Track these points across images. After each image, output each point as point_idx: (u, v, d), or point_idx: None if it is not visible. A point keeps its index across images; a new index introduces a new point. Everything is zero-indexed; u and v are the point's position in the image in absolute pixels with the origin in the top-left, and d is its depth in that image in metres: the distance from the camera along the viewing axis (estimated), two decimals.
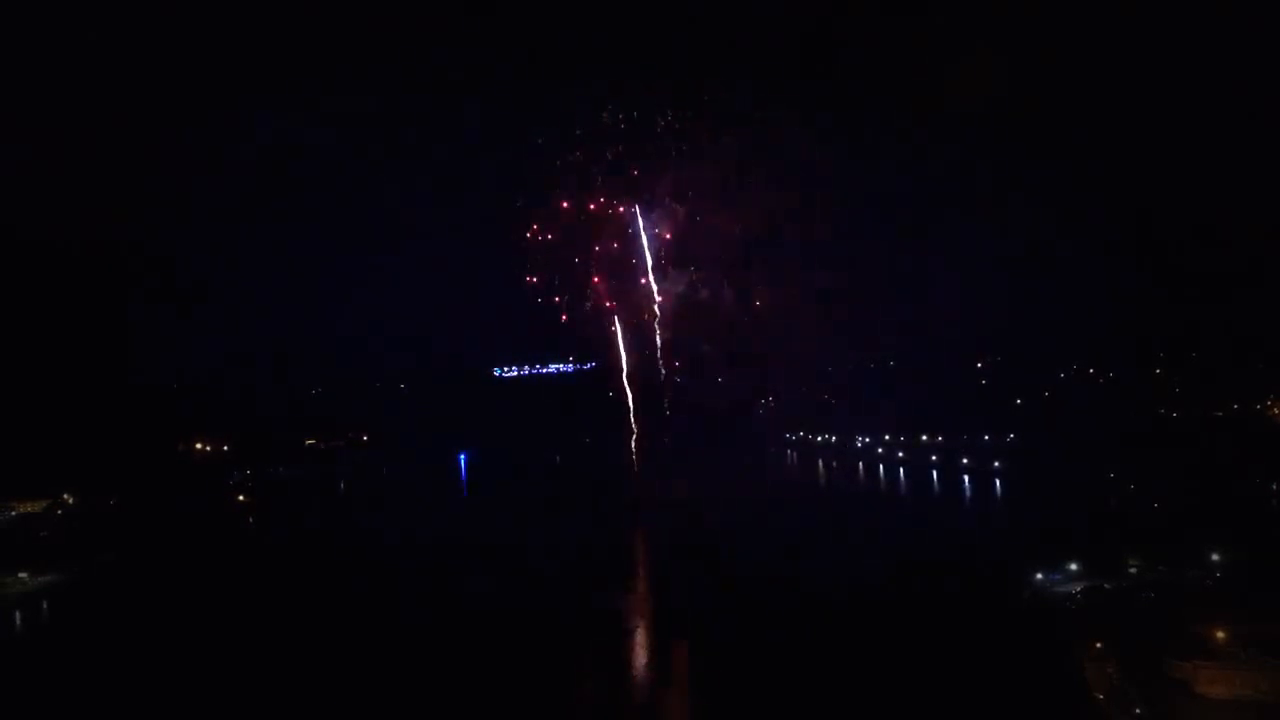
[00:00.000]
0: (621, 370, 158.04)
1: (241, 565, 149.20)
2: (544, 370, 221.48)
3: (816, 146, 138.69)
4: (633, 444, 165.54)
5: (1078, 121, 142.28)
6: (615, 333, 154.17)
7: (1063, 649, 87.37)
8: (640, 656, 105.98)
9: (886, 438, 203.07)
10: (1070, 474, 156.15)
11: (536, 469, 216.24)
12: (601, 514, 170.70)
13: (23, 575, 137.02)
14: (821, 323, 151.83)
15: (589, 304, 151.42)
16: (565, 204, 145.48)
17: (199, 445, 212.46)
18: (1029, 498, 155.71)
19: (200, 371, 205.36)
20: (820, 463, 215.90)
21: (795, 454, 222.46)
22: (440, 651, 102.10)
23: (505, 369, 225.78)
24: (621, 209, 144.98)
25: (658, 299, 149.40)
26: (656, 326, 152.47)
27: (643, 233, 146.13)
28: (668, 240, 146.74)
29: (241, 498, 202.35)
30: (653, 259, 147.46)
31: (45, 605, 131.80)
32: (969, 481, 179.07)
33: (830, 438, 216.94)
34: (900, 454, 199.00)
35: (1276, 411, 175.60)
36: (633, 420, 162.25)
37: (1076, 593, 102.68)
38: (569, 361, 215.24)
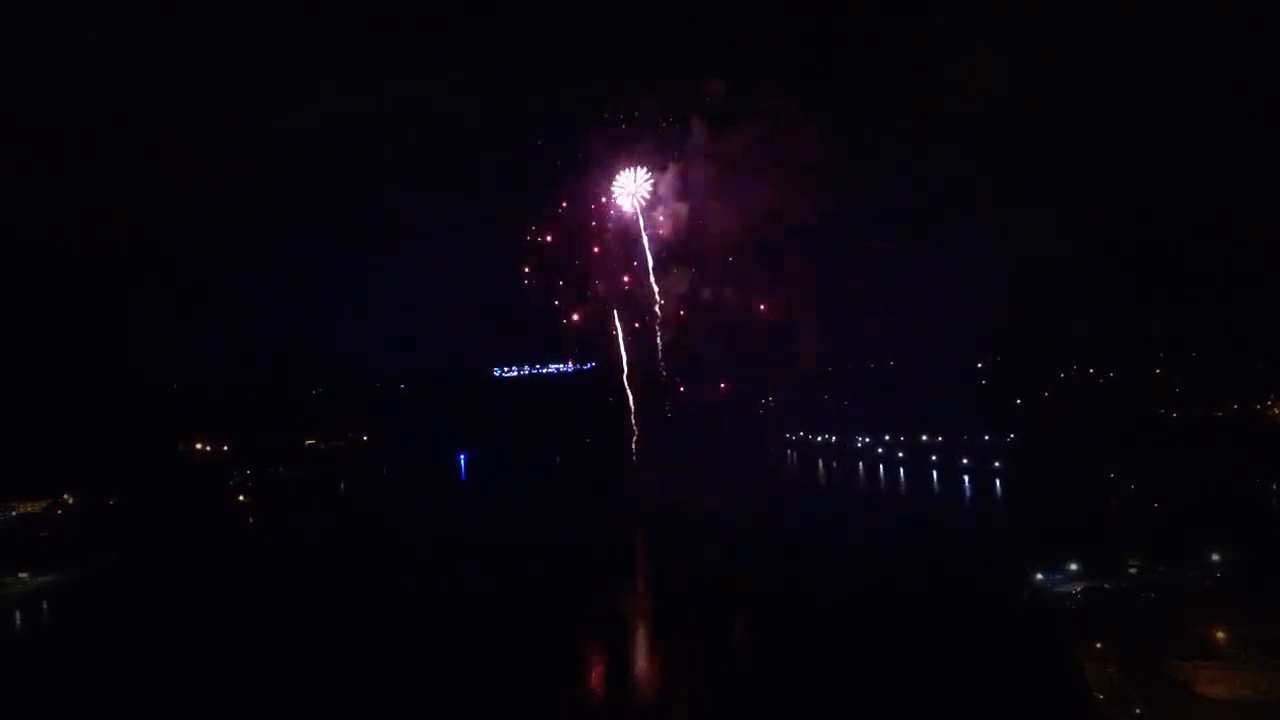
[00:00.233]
0: (622, 370, 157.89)
1: (241, 565, 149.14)
2: (544, 370, 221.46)
3: (817, 146, 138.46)
4: (633, 445, 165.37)
5: (1077, 121, 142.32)
6: (615, 332, 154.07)
7: (1063, 649, 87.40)
8: (636, 658, 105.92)
9: (886, 438, 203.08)
10: (1070, 474, 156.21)
11: (536, 469, 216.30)
12: (601, 514, 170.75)
13: (23, 575, 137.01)
14: (822, 323, 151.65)
15: (589, 304, 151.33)
16: (565, 204, 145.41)
17: (199, 445, 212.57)
18: (1029, 498, 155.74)
19: (200, 371, 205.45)
20: (820, 463, 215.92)
21: (795, 454, 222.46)
22: (439, 651, 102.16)
23: (505, 369, 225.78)
24: (622, 208, 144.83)
25: (658, 299, 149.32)
26: (657, 326, 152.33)
27: (643, 232, 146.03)
28: (668, 240, 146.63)
29: (241, 498, 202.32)
30: (653, 259, 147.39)
31: (45, 605, 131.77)
32: (969, 481, 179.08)
33: (830, 438, 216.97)
34: (900, 454, 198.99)
35: (1276, 411, 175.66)
36: (633, 421, 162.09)
37: (1076, 593, 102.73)
38: (569, 362, 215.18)
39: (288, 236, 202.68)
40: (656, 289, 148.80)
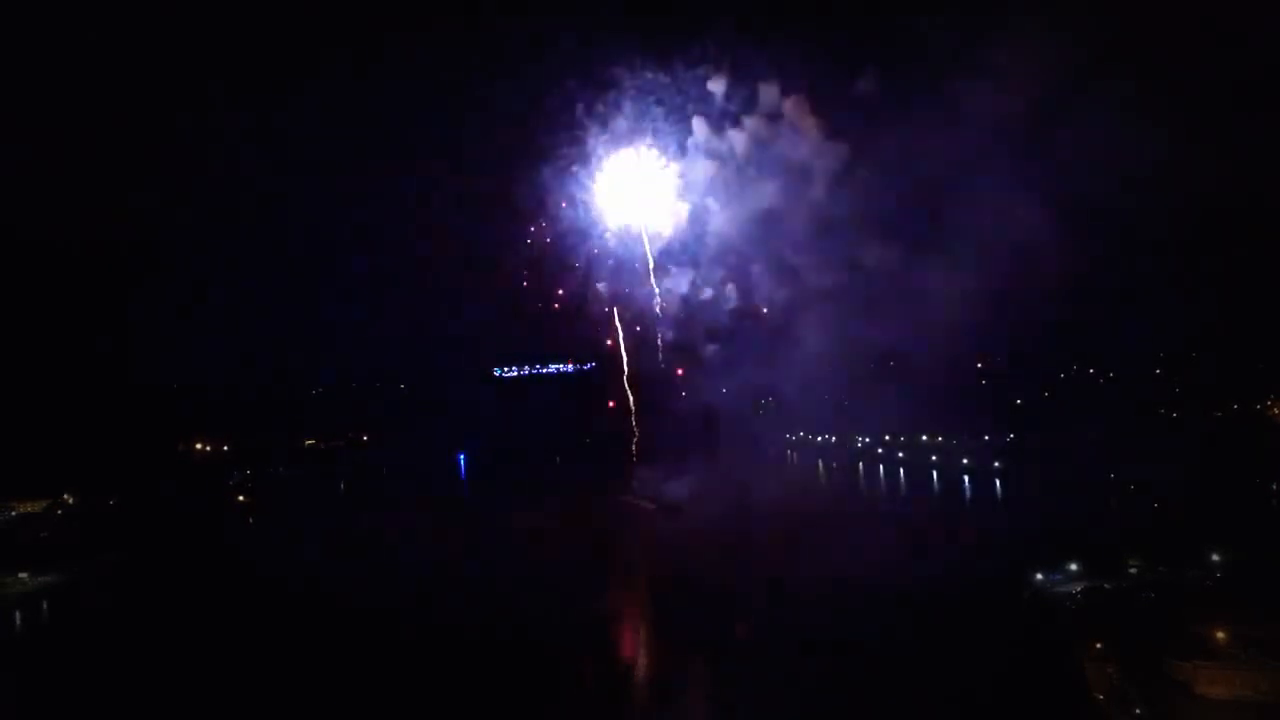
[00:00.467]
0: (622, 370, 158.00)
1: (241, 566, 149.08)
2: (544, 370, 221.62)
3: (818, 144, 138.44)
4: (633, 445, 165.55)
5: (1078, 119, 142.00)
6: (616, 332, 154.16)
7: (1063, 649, 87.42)
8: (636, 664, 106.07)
9: (886, 438, 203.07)
10: (1070, 474, 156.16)
11: (536, 469, 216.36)
12: (601, 514, 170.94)
13: (23, 575, 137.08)
14: (822, 323, 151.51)
15: (590, 304, 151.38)
16: (565, 203, 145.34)
17: (199, 445, 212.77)
18: (1028, 498, 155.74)
19: (200, 371, 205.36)
20: (820, 463, 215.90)
21: (795, 454, 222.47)
22: (439, 650, 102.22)
23: (505, 369, 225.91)
24: (623, 207, 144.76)
25: (659, 299, 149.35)
26: (657, 326, 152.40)
27: (644, 232, 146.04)
28: (669, 238, 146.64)
29: (241, 498, 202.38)
30: (654, 258, 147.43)
31: (45, 605, 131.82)
32: (969, 481, 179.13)
33: (830, 438, 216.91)
34: (900, 454, 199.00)
35: (1276, 411, 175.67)
36: (633, 421, 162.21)
37: (1076, 593, 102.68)
38: (569, 362, 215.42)
39: (288, 236, 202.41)
40: (657, 288, 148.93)
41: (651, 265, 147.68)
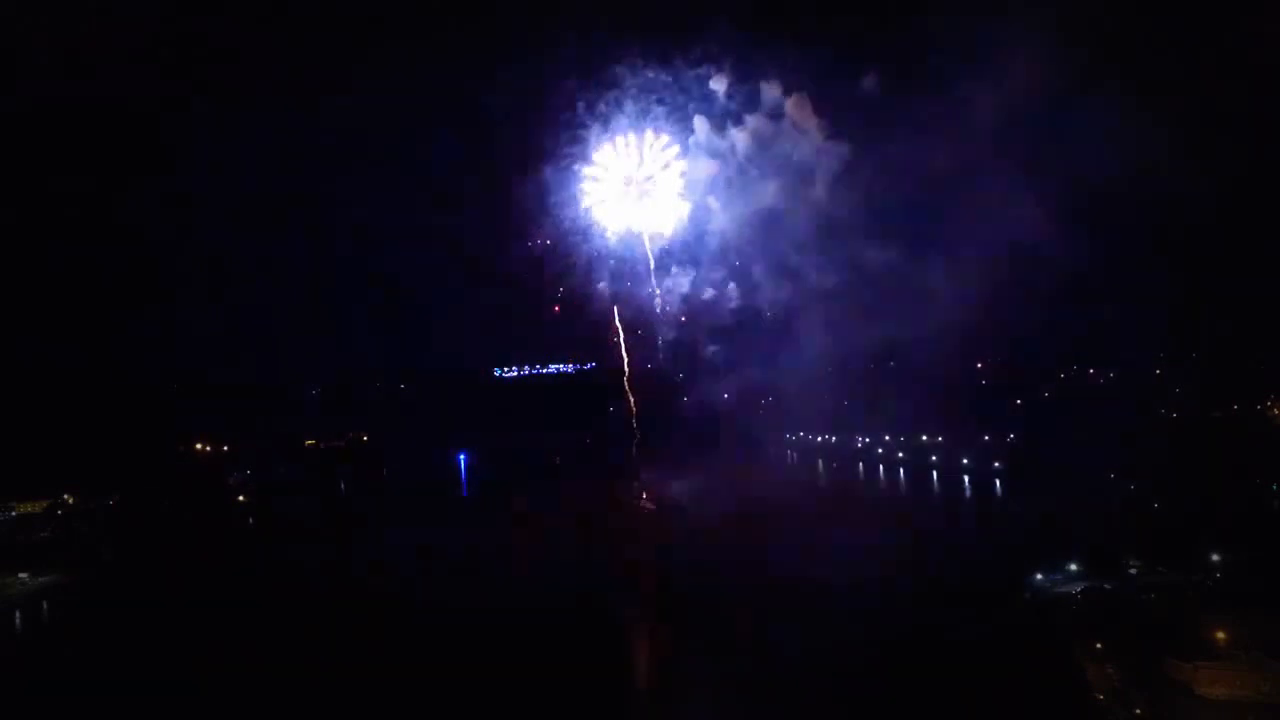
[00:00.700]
0: (623, 371, 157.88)
1: (241, 565, 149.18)
2: (544, 370, 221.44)
3: (819, 144, 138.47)
4: (634, 446, 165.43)
5: (1079, 118, 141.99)
6: (617, 332, 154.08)
7: (1063, 649, 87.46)
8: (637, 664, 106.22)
9: (886, 438, 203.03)
10: (1070, 475, 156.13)
11: (537, 470, 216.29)
12: (600, 514, 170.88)
13: (23, 575, 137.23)
14: (822, 323, 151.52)
15: (590, 304, 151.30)
16: (565, 203, 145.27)
17: (199, 445, 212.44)
18: (1028, 498, 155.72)
19: (200, 371, 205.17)
20: (820, 463, 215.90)
21: (795, 454, 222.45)
22: (438, 650, 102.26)
23: (505, 369, 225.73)
24: (624, 207, 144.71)
25: (659, 299, 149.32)
26: (658, 326, 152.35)
27: (645, 231, 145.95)
28: (670, 238, 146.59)
29: (241, 498, 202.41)
30: (654, 258, 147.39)
31: (45, 605, 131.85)
32: (969, 482, 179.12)
33: (830, 438, 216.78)
34: (900, 454, 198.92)
35: (1276, 411, 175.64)
36: (634, 422, 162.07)
37: (1076, 593, 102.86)
38: (570, 362, 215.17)
39: (288, 236, 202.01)
40: (658, 288, 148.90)
41: (652, 265, 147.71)
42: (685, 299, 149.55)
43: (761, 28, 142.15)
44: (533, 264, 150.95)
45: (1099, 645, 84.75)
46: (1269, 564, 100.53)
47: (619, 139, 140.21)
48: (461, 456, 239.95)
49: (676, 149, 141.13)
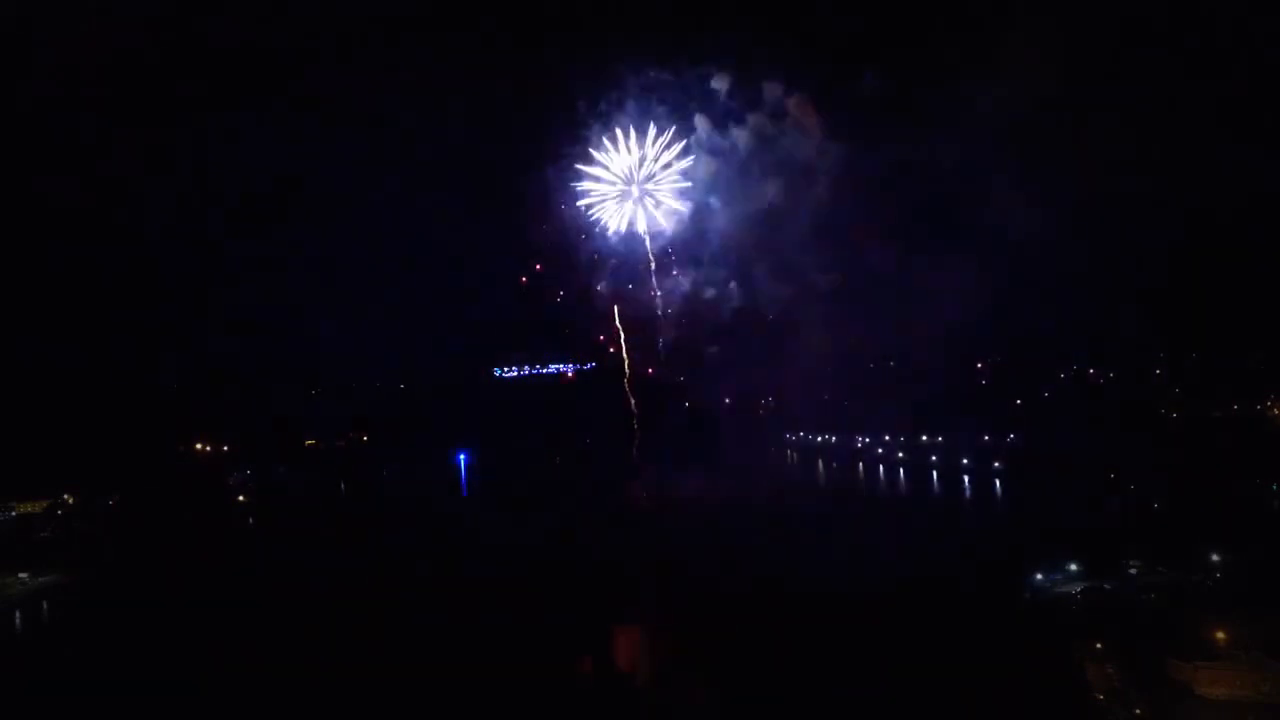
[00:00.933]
0: (623, 371, 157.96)
1: (241, 566, 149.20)
2: (544, 370, 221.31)
3: (819, 144, 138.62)
4: (634, 446, 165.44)
5: (1079, 119, 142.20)
6: (617, 332, 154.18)
7: (1063, 649, 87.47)
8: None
9: (886, 438, 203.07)
10: (1070, 474, 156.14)
11: (536, 470, 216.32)
12: (600, 513, 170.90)
13: (23, 575, 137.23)
14: (822, 323, 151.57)
15: (591, 304, 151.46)
16: (565, 204, 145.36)
17: (199, 445, 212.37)
18: (1028, 498, 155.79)
19: (200, 371, 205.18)
20: (820, 463, 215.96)
21: (795, 454, 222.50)
22: (438, 650, 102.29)
23: (505, 369, 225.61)
24: (624, 207, 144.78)
25: (660, 299, 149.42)
26: (658, 326, 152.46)
27: (646, 231, 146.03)
28: (670, 239, 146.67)
29: (241, 498, 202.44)
30: (655, 258, 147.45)
31: (46, 605, 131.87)
32: (969, 482, 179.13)
33: (830, 438, 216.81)
34: (900, 454, 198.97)
35: (1276, 411, 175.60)
36: (634, 422, 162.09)
37: (1076, 593, 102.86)
38: (570, 362, 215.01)
39: (288, 235, 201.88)
40: (659, 288, 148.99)
41: (653, 265, 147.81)
42: (685, 299, 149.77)
43: (762, 27, 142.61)
44: (533, 264, 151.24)
45: (1099, 645, 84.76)
46: (1269, 564, 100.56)
47: (620, 139, 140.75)
48: (461, 457, 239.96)
49: (678, 148, 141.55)
